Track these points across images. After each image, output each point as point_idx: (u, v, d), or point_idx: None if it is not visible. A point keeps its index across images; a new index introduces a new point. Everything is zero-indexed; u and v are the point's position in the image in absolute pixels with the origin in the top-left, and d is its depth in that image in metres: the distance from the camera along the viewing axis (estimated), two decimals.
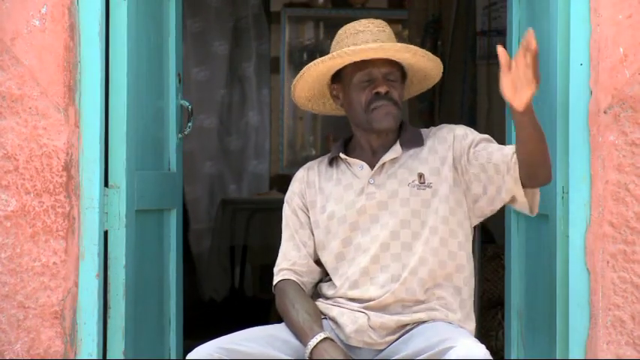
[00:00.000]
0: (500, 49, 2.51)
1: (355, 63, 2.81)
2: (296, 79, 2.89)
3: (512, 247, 3.39)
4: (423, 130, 2.92)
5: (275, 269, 2.91)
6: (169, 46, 3.54)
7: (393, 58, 2.81)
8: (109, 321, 3.08)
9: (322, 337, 2.69)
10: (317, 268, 2.90)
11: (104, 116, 3.07)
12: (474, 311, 2.87)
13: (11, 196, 3.00)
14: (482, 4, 6.19)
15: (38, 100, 3.01)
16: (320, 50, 7.65)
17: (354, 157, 2.89)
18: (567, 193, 2.90)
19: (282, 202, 2.97)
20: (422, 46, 6.81)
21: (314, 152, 7.81)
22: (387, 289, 2.75)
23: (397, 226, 2.78)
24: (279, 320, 2.87)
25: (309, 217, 2.91)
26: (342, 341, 2.77)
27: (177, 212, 3.58)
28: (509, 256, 3.41)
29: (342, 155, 2.90)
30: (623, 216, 2.86)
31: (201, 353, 2.65)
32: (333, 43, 2.90)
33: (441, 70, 2.91)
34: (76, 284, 3.01)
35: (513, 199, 2.76)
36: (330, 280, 2.86)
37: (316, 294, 2.91)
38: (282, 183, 7.39)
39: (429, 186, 2.80)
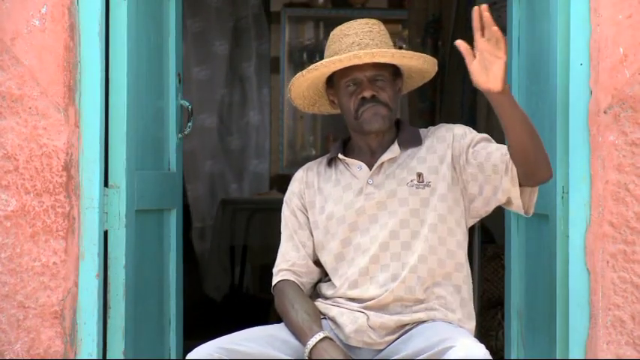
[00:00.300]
0: (458, 42, 2.50)
1: (341, 69, 2.81)
2: (288, 90, 2.90)
3: (512, 247, 3.39)
4: (422, 130, 2.91)
5: (274, 270, 2.91)
6: (169, 46, 3.54)
7: (373, 62, 2.79)
8: (109, 321, 3.08)
9: (321, 337, 2.69)
10: (316, 269, 2.89)
11: (104, 116, 3.07)
12: (474, 311, 2.87)
13: (11, 196, 3.00)
14: (482, 3, 6.18)
15: (38, 100, 3.01)
16: (320, 50, 7.65)
17: (352, 158, 2.89)
18: (567, 193, 2.91)
19: (282, 202, 2.97)
20: (422, 46, 6.83)
21: (314, 152, 7.82)
22: (387, 287, 2.75)
23: (396, 225, 2.78)
24: (278, 320, 2.87)
25: (308, 218, 2.91)
26: (341, 341, 2.77)
27: (177, 212, 3.58)
28: (509, 256, 3.41)
29: (340, 156, 2.90)
30: (623, 216, 2.86)
31: (201, 353, 2.65)
32: (326, 46, 2.91)
33: (435, 63, 2.87)
34: (76, 284, 3.01)
35: (509, 201, 2.76)
36: (330, 280, 2.86)
37: (315, 294, 2.91)
38: (282, 183, 7.39)
39: (427, 185, 2.80)
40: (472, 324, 2.83)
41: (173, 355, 3.53)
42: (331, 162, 2.93)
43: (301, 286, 2.87)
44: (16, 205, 3.00)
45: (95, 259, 3.02)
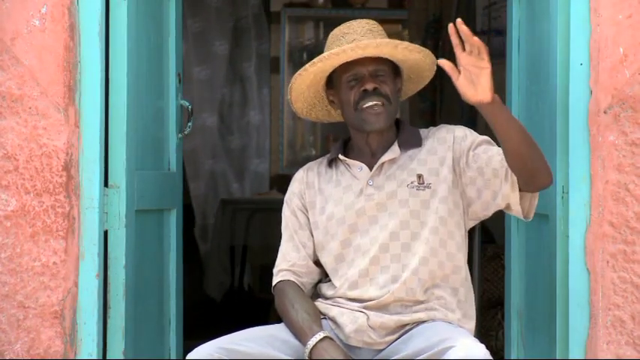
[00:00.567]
0: (441, 62, 2.50)
1: (342, 65, 2.80)
2: (288, 90, 2.90)
3: (512, 247, 3.39)
4: (422, 130, 2.91)
5: (274, 270, 2.91)
6: (169, 46, 3.54)
7: (374, 55, 2.79)
8: (109, 321, 3.08)
9: (322, 337, 2.69)
10: (316, 269, 2.89)
11: (104, 116, 3.07)
12: (475, 311, 2.87)
13: (11, 196, 3.00)
14: (482, 3, 6.19)
15: (38, 100, 3.01)
16: (320, 50, 7.61)
17: (353, 159, 2.89)
18: (567, 193, 2.90)
19: (282, 203, 2.97)
20: (422, 46, 6.82)
21: (314, 152, 7.81)
22: (387, 289, 2.75)
23: (396, 227, 2.77)
24: (278, 320, 2.87)
25: (308, 218, 2.91)
26: (341, 341, 2.77)
27: (178, 212, 3.58)
28: (509, 256, 3.41)
29: (341, 156, 2.90)
30: (623, 216, 2.86)
31: (201, 353, 2.65)
32: (325, 46, 2.91)
33: (434, 62, 2.86)
34: (76, 284, 3.01)
35: (508, 206, 2.75)
36: (330, 280, 2.86)
37: (316, 294, 2.91)
38: (282, 183, 7.39)
39: (428, 186, 2.79)
40: (472, 324, 2.83)
41: (173, 355, 3.53)
42: (332, 162, 2.93)
43: (301, 287, 2.87)
44: (16, 205, 3.00)
45: (95, 259, 3.02)
